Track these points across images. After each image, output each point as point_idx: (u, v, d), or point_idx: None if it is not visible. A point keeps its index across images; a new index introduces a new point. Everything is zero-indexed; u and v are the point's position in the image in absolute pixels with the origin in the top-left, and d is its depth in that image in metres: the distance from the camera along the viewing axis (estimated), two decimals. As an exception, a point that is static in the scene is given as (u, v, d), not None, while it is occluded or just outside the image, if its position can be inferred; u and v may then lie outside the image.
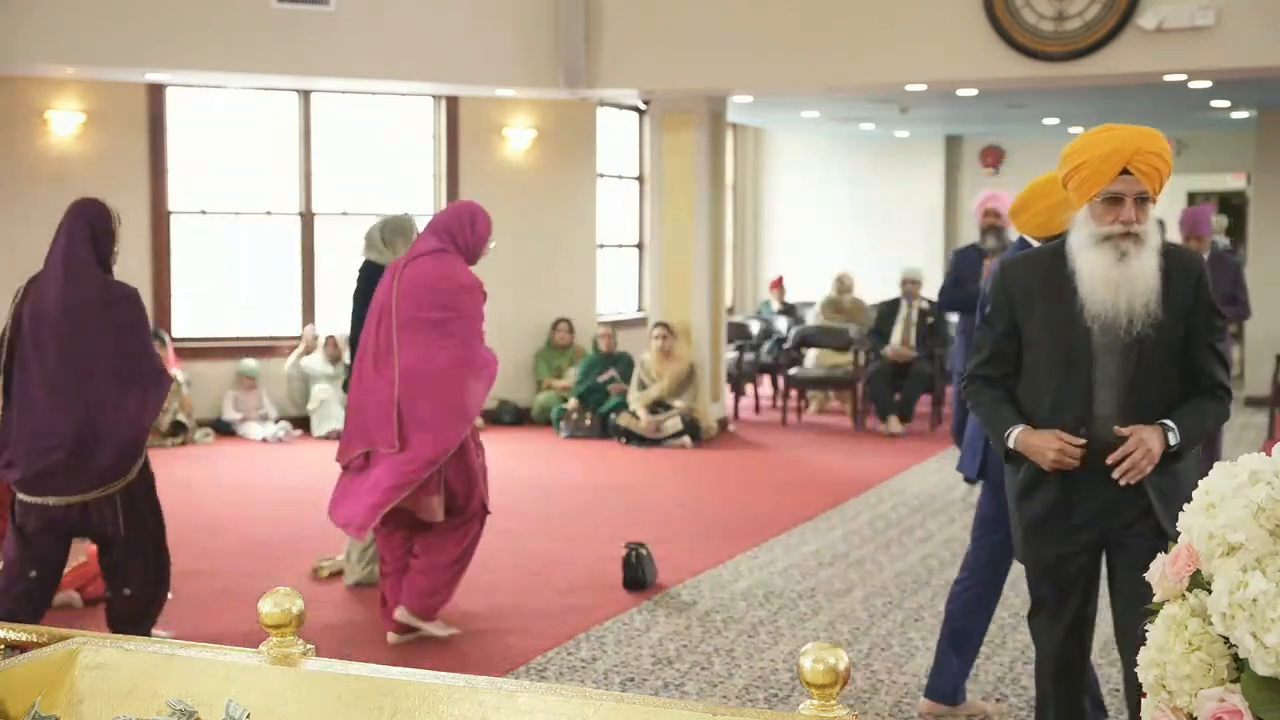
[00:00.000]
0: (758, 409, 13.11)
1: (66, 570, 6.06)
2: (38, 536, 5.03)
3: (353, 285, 6.61)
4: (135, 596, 5.19)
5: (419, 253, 5.56)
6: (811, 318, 13.98)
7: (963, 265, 8.04)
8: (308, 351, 11.47)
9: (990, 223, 8.13)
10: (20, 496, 5.03)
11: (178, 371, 10.83)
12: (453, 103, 12.04)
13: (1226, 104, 13.25)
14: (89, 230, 5.15)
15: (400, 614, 5.57)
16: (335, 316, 11.71)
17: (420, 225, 6.12)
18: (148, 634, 5.08)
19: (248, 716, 1.82)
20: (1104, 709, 4.66)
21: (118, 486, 5.11)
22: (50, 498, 5.00)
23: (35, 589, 5.06)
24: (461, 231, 5.56)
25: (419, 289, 5.46)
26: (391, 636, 5.59)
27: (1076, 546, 3.63)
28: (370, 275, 6.33)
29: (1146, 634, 1.81)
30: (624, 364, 11.67)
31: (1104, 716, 4.66)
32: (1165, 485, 3.51)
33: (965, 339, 7.81)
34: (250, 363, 11.28)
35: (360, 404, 5.56)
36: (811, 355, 12.80)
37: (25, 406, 5.01)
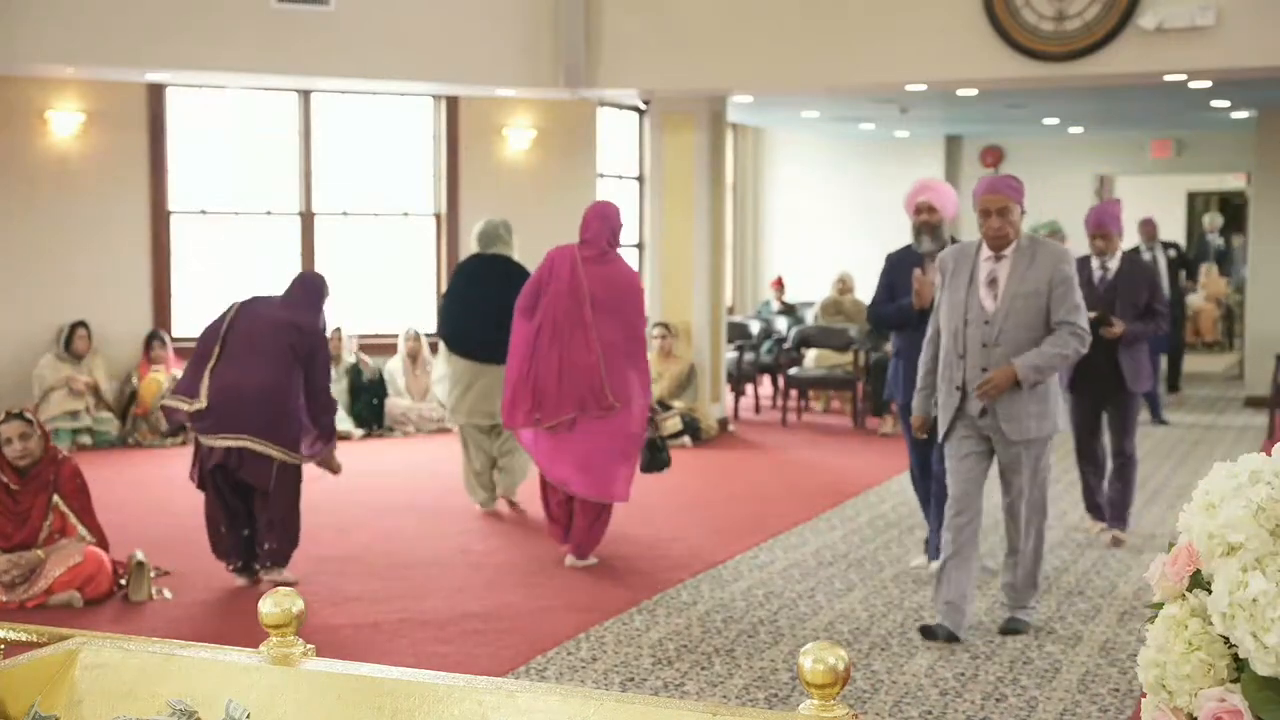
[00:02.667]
0: (758, 409, 13.11)
1: (63, 570, 6.09)
2: (221, 489, 6.44)
3: (429, 278, 7.62)
4: (276, 546, 6.56)
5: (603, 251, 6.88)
6: (811, 318, 13.98)
7: (895, 273, 6.66)
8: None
9: (924, 220, 6.53)
10: (207, 437, 6.42)
11: (178, 372, 10.81)
12: (453, 103, 12.04)
13: (1226, 104, 13.25)
14: (314, 295, 6.75)
15: (569, 561, 6.88)
16: (335, 316, 11.70)
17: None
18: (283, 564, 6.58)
19: (248, 716, 1.82)
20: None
21: (276, 453, 6.41)
22: (213, 437, 6.37)
23: (246, 539, 6.52)
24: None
25: (620, 284, 6.89)
26: (568, 560, 6.94)
27: None
28: (487, 268, 8.07)
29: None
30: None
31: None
32: None
33: (906, 364, 6.51)
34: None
35: (552, 373, 6.73)
36: (811, 355, 12.80)
37: (222, 368, 6.45)
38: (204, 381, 6.46)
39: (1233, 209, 22.20)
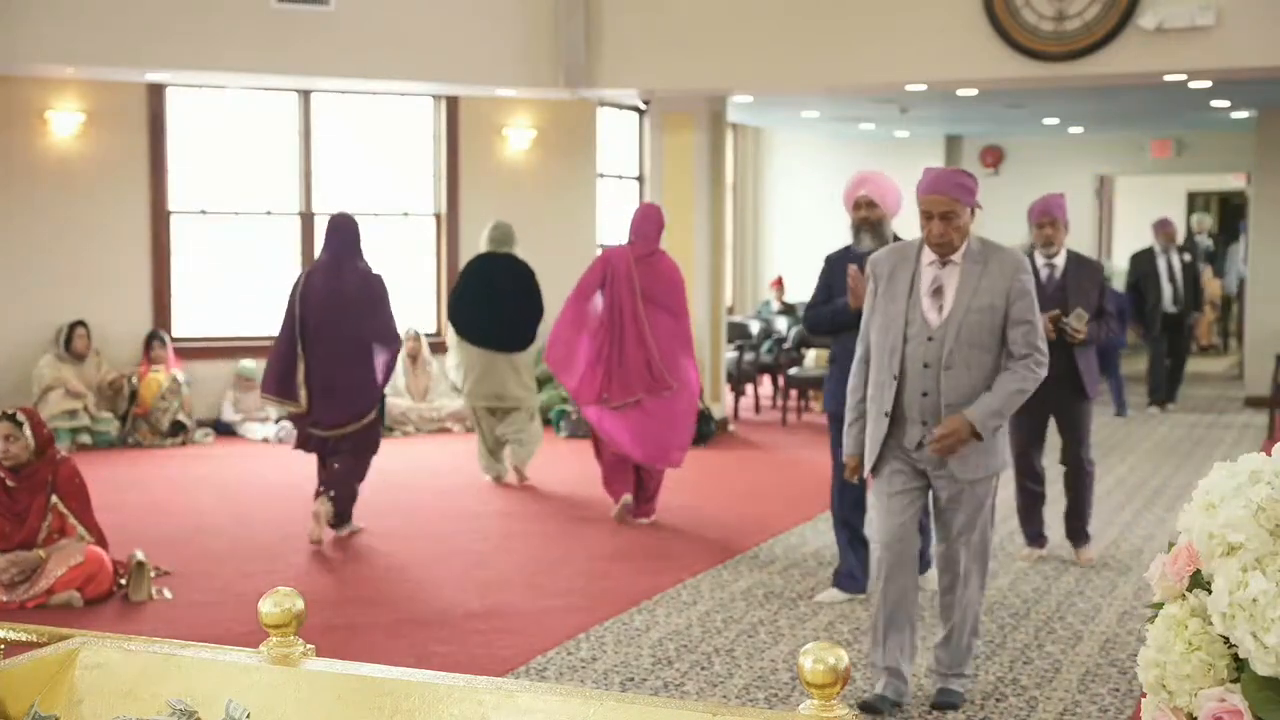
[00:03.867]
0: (758, 409, 13.11)
1: (64, 570, 6.10)
2: (317, 451, 7.46)
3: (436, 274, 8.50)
4: (338, 498, 7.37)
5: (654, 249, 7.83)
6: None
7: (834, 274, 6.11)
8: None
9: (864, 217, 5.95)
10: (324, 431, 7.41)
11: (178, 371, 10.84)
12: (453, 103, 12.04)
13: (1226, 104, 13.25)
14: (350, 236, 7.46)
15: (619, 512, 7.88)
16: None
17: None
18: (345, 521, 7.46)
19: (248, 716, 1.82)
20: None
21: (360, 425, 7.35)
22: (320, 430, 7.36)
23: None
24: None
25: (667, 277, 7.81)
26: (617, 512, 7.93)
27: None
28: (497, 265, 8.99)
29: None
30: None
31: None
32: None
33: (842, 371, 5.67)
34: (249, 363, 11.27)
35: (619, 361, 7.66)
36: (811, 355, 12.80)
37: (313, 364, 7.29)
38: (299, 384, 7.31)
39: (1231, 209, 22.16)
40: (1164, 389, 13.06)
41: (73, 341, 10.49)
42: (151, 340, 10.86)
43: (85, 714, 1.95)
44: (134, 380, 10.78)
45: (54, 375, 10.40)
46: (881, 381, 4.67)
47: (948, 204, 4.51)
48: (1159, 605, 1.82)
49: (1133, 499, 8.70)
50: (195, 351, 11.28)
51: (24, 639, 2.12)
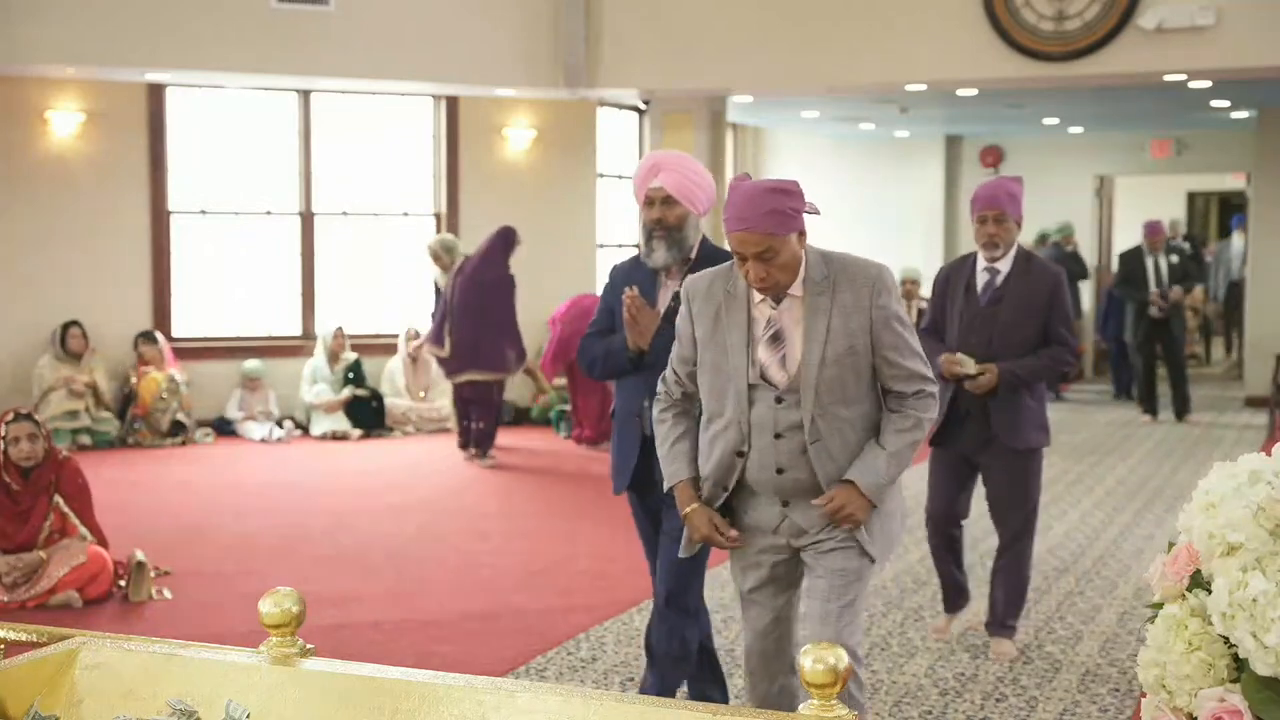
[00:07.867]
0: (758, 409, 13.07)
1: (66, 570, 6.10)
2: (464, 400, 9.99)
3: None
4: (485, 449, 9.90)
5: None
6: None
7: (618, 295, 4.34)
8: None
9: (657, 218, 4.25)
10: (451, 377, 9.95)
11: (176, 371, 10.82)
12: (453, 103, 12.03)
13: (1226, 104, 13.25)
14: (502, 244, 9.79)
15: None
16: (335, 316, 11.70)
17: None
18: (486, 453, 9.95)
19: (248, 716, 1.82)
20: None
21: (480, 381, 9.74)
22: (447, 373, 9.98)
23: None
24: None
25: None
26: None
27: None
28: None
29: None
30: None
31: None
32: None
33: (623, 436, 4.70)
34: (255, 363, 11.26)
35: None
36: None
37: (453, 327, 9.67)
38: (446, 335, 9.70)
39: (1231, 209, 22.12)
40: (1153, 398, 12.44)
41: (67, 341, 10.47)
42: (139, 340, 10.80)
43: (85, 714, 1.95)
44: (133, 380, 10.78)
45: (55, 375, 10.39)
46: (724, 457, 3.51)
47: (760, 242, 3.24)
48: (1159, 605, 1.82)
49: (1133, 499, 8.70)
50: (195, 351, 11.28)
51: (24, 639, 2.12)
